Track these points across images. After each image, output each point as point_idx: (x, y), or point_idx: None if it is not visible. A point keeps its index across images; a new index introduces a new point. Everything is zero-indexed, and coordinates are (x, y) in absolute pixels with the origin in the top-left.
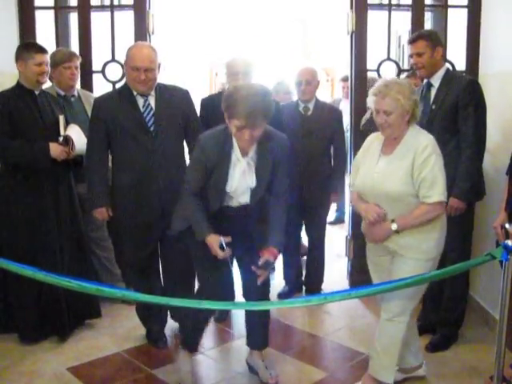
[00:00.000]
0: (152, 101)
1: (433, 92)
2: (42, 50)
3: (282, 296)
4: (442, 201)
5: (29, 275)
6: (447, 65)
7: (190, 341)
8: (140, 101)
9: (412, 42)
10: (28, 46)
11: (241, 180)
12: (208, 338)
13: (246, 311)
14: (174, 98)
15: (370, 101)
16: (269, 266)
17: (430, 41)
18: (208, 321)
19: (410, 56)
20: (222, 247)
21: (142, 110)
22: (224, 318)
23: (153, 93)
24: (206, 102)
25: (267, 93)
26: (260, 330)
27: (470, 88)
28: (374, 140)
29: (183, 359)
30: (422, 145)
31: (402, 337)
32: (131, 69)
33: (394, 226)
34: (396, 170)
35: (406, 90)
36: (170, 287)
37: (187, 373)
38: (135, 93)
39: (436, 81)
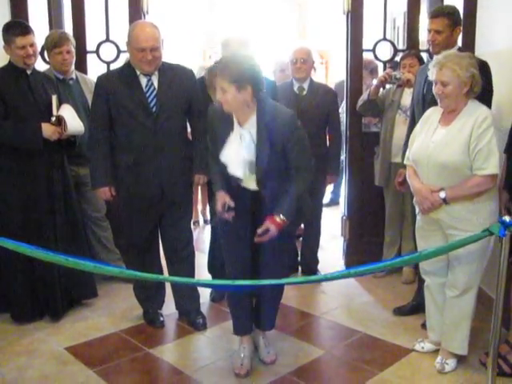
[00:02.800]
0: (155, 80)
1: None
2: (23, 32)
3: None
4: (495, 174)
5: (28, 253)
6: (459, 44)
7: (237, 324)
8: (143, 80)
9: (433, 16)
10: (9, 28)
11: (235, 150)
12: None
13: (259, 293)
14: (177, 78)
15: (430, 73)
16: (269, 234)
17: (451, 20)
18: (249, 301)
19: (429, 30)
20: (224, 207)
21: (144, 89)
22: (221, 297)
23: (156, 72)
24: (201, 82)
25: (246, 61)
26: (269, 313)
27: (480, 70)
28: (432, 112)
29: (238, 344)
30: (481, 116)
31: (472, 310)
32: (136, 50)
33: (442, 194)
34: (454, 141)
35: (463, 61)
36: (172, 267)
37: (238, 358)
38: (138, 72)
39: None
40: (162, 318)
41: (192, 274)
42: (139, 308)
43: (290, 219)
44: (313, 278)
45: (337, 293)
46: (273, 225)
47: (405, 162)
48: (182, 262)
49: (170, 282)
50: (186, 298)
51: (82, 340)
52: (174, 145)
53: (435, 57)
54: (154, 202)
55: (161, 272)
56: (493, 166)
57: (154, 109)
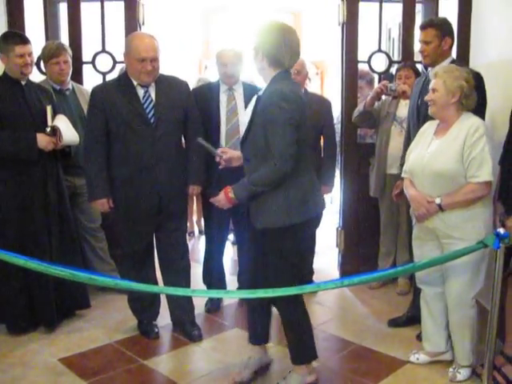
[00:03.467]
0: (152, 91)
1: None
2: (23, 41)
3: None
4: (488, 181)
5: (21, 264)
6: (453, 56)
7: (249, 332)
8: (140, 92)
9: (422, 28)
10: (7, 37)
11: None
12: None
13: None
14: (173, 89)
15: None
16: (215, 199)
17: (439, 30)
18: (266, 310)
19: (420, 42)
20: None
21: (142, 100)
22: (216, 308)
23: (153, 83)
24: (196, 93)
25: (265, 31)
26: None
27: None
28: (428, 126)
29: (250, 352)
30: (473, 126)
31: (472, 321)
32: (136, 60)
33: (438, 200)
34: (448, 150)
35: (455, 72)
36: (167, 278)
37: (239, 366)
38: (135, 83)
39: None
40: (156, 330)
41: (187, 285)
42: (133, 319)
43: (240, 201)
44: (306, 287)
45: (332, 304)
46: (223, 193)
47: (402, 175)
48: (178, 273)
49: (165, 294)
50: (181, 309)
51: (76, 351)
52: (172, 156)
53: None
54: (151, 213)
55: (156, 283)
56: (486, 173)
57: (152, 120)
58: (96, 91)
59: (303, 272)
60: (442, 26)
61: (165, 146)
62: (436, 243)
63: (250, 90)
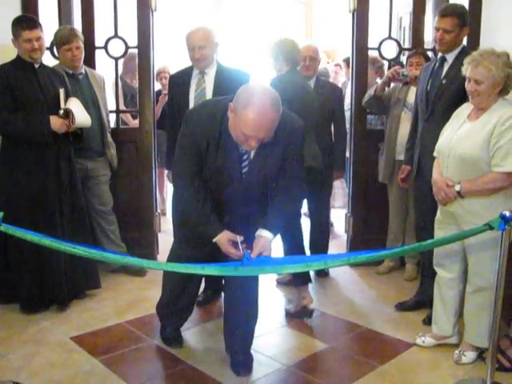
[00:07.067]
0: (252, 151)
1: (445, 67)
2: (30, 26)
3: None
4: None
5: (35, 241)
6: (464, 42)
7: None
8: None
9: (443, 15)
10: (17, 22)
11: None
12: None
13: None
14: (281, 138)
15: (464, 69)
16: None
17: (461, 19)
18: None
19: (437, 29)
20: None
21: (240, 159)
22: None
23: None
24: (171, 79)
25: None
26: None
27: None
28: (464, 108)
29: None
30: (505, 115)
31: (488, 305)
32: (243, 133)
33: (458, 187)
34: (475, 135)
35: (500, 61)
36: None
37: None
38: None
39: (451, 57)
40: (180, 338)
41: None
42: (143, 300)
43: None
44: (313, 264)
45: (339, 288)
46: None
47: (434, 154)
48: None
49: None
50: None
51: (88, 330)
52: (254, 205)
53: (473, 53)
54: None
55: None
56: (510, 163)
57: (242, 176)
58: (192, 116)
59: None
60: (463, 16)
61: (255, 202)
62: (455, 228)
63: (224, 74)
